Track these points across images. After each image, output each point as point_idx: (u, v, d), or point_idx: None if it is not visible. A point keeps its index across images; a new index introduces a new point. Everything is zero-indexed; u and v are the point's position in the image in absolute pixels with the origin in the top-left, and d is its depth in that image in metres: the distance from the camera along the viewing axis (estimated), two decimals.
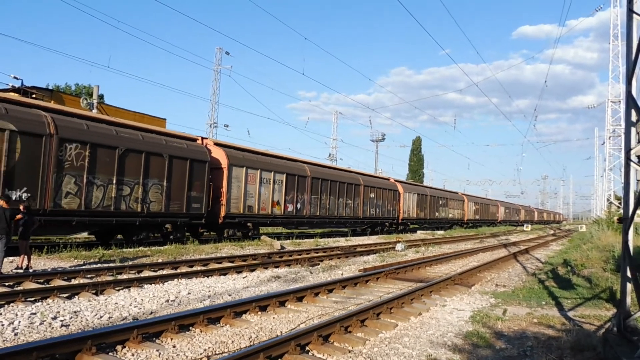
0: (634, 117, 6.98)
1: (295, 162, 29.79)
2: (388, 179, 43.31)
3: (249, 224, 24.77)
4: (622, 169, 7.16)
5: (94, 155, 16.84)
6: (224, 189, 22.75)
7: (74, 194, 16.31)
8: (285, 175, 26.93)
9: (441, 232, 45.20)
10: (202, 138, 23.73)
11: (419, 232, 43.98)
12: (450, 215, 54.80)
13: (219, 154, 23.05)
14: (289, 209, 27.32)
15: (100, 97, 30.27)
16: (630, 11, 7.08)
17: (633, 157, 6.95)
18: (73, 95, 34.93)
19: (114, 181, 17.52)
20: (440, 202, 51.38)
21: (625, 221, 6.99)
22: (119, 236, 20.12)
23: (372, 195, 36.77)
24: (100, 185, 17.11)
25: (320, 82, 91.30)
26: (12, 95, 17.29)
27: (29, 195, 14.55)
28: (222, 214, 22.70)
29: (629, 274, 6.94)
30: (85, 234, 20.65)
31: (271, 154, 28.58)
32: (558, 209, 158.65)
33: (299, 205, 28.18)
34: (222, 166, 22.90)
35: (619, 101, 37.07)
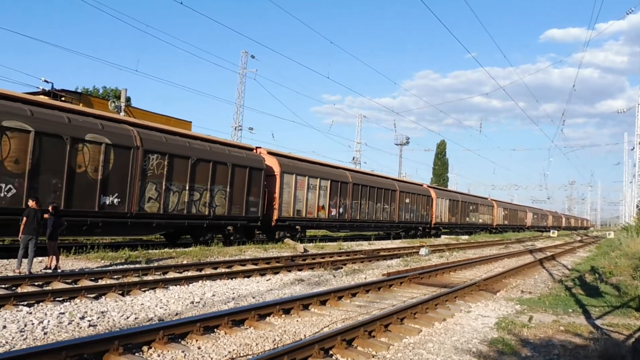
0: None
1: (337, 169, 31.46)
2: (421, 185, 44.50)
3: (297, 227, 26.25)
4: None
5: (171, 164, 18.81)
6: (277, 194, 24.37)
7: (155, 199, 18.24)
8: (329, 181, 28.37)
9: (465, 237, 44.80)
10: (257, 147, 25.24)
11: (443, 236, 43.71)
12: (480, 221, 55.19)
13: (272, 162, 24.62)
14: (332, 213, 28.76)
15: (127, 99, 30.69)
16: None
17: None
18: (101, 98, 35.57)
19: (187, 187, 19.44)
20: (471, 207, 52.03)
21: None
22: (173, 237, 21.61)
23: (407, 200, 37.98)
24: (176, 191, 19.05)
25: (344, 86, 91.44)
26: (43, 99, 17.67)
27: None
28: (275, 217, 24.44)
29: None
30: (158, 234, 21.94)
31: (316, 162, 30.13)
32: (585, 215, 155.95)
33: (341, 210, 29.60)
34: (275, 173, 24.47)
35: None
